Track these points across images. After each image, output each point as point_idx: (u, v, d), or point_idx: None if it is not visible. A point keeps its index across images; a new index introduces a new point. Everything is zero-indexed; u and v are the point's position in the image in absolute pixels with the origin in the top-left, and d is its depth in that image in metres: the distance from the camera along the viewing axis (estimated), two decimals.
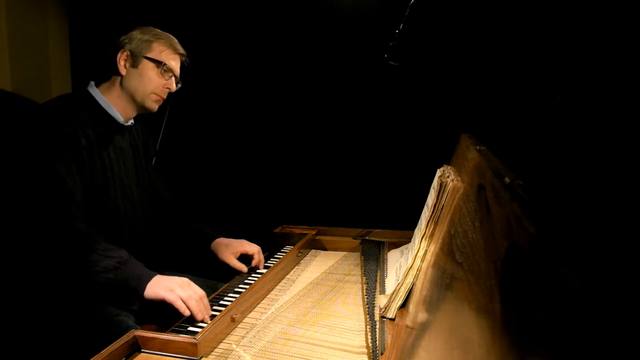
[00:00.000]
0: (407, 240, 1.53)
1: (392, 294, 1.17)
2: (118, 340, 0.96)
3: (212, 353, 1.04)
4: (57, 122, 1.33)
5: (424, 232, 1.17)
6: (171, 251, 1.75)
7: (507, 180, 0.69)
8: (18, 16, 2.10)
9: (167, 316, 1.20)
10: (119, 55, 1.45)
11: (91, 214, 1.35)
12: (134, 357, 0.98)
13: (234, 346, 1.07)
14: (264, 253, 1.64)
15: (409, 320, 1.07)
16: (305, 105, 2.37)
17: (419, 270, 1.15)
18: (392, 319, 1.15)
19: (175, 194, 1.79)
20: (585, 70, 1.49)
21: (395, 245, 1.72)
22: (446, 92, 2.07)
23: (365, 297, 1.29)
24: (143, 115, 1.57)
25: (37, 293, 1.39)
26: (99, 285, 1.22)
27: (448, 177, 1.15)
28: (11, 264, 1.53)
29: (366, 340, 1.08)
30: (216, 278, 1.61)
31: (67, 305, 1.33)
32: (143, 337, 1.00)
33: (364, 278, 1.43)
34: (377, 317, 1.16)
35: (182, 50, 1.54)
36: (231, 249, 1.58)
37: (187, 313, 1.17)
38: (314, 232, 1.87)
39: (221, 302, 1.30)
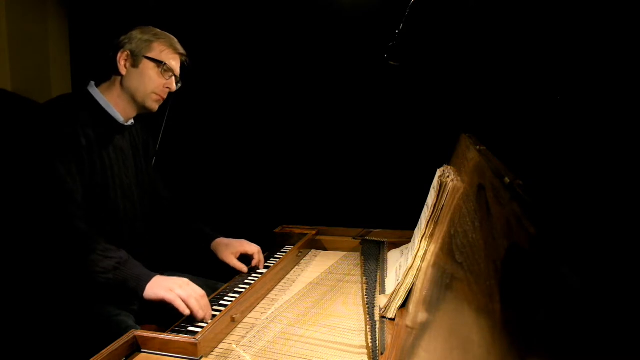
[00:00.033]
0: (407, 240, 1.53)
1: (392, 294, 1.17)
2: (118, 340, 0.96)
3: (212, 353, 1.04)
4: (57, 122, 1.33)
5: (424, 232, 1.17)
6: (171, 251, 1.75)
7: (507, 180, 0.69)
8: (18, 16, 2.10)
9: (167, 316, 1.20)
10: (119, 55, 1.45)
11: (91, 214, 1.35)
12: (134, 357, 0.98)
13: (234, 346, 1.07)
14: (264, 253, 1.64)
15: (409, 320, 1.07)
16: (306, 105, 2.37)
17: (419, 270, 1.15)
18: (392, 319, 1.15)
19: (175, 194, 1.79)
20: (585, 70, 1.49)
21: (395, 245, 1.72)
22: (446, 92, 2.07)
23: (365, 297, 1.29)
24: (143, 115, 1.57)
25: (37, 293, 1.39)
26: (98, 286, 1.22)
27: (448, 177, 1.15)
28: (11, 263, 1.53)
29: (366, 340, 1.08)
30: (216, 278, 1.61)
31: (67, 305, 1.33)
32: (143, 337, 1.00)
33: (364, 278, 1.43)
34: (377, 317, 1.16)
35: (182, 50, 1.54)
36: (231, 249, 1.58)
37: (187, 312, 1.17)
38: (314, 232, 1.87)
39: (221, 302, 1.30)
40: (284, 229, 1.91)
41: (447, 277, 0.84)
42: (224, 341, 1.10)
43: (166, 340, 0.99)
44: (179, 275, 1.38)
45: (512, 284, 0.52)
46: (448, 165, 1.27)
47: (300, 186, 2.40)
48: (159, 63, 1.47)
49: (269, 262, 1.62)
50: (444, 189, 1.15)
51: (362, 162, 2.31)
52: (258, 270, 1.56)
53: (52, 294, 1.35)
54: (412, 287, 1.16)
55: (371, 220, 1.95)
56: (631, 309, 0.35)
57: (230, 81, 2.47)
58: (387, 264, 1.54)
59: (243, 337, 1.11)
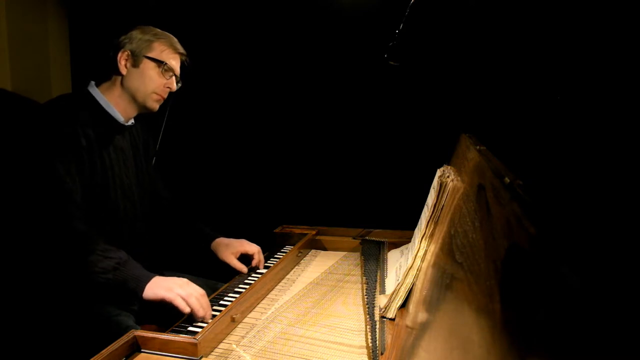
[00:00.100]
0: (407, 240, 1.53)
1: (392, 294, 1.17)
2: (118, 340, 0.96)
3: (212, 353, 1.04)
4: (57, 122, 1.33)
5: (424, 232, 1.17)
6: (171, 251, 1.75)
7: (507, 180, 0.69)
8: (18, 16, 2.10)
9: (167, 316, 1.20)
10: (119, 55, 1.45)
11: (91, 214, 1.35)
12: (134, 357, 0.98)
13: (234, 346, 1.07)
14: (264, 253, 1.64)
15: (409, 320, 1.07)
16: (306, 105, 2.37)
17: (419, 270, 1.15)
18: (392, 319, 1.15)
19: (175, 194, 1.79)
20: (585, 70, 1.49)
21: (395, 245, 1.72)
22: (446, 92, 2.07)
23: (365, 297, 1.29)
24: (143, 114, 1.57)
25: (37, 293, 1.39)
26: (98, 286, 1.22)
27: (448, 177, 1.15)
28: (11, 264, 1.53)
29: (366, 340, 1.08)
30: (216, 278, 1.61)
31: (67, 305, 1.33)
32: (143, 337, 1.00)
33: (364, 278, 1.43)
34: (377, 317, 1.16)
35: (182, 50, 1.54)
36: (231, 249, 1.58)
37: (187, 310, 1.17)
38: (314, 232, 1.87)
39: (221, 302, 1.30)
40: (284, 229, 1.91)
41: (447, 277, 0.84)
42: (224, 341, 1.10)
43: (166, 340, 0.99)
44: (179, 275, 1.38)
45: (512, 284, 0.52)
46: (448, 165, 1.27)
47: (300, 186, 2.40)
48: (159, 63, 1.47)
49: (269, 262, 1.62)
50: (444, 189, 1.15)
51: (362, 162, 2.31)
52: (258, 270, 1.56)
53: (52, 294, 1.35)
54: (412, 287, 1.16)
55: (371, 220, 1.95)
56: (631, 309, 0.35)
57: (230, 81, 2.47)
58: (387, 264, 1.54)
59: (243, 337, 1.11)
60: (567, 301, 0.38)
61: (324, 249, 1.88)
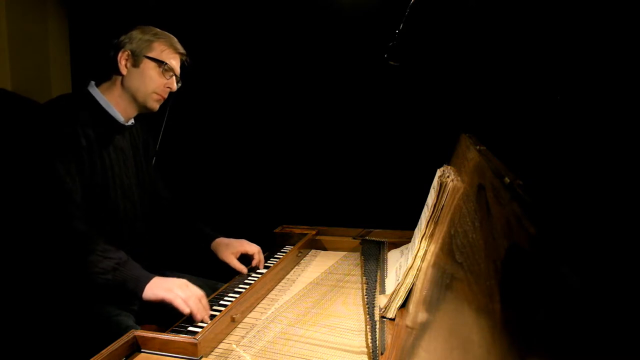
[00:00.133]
0: (407, 240, 1.53)
1: (392, 294, 1.17)
2: (118, 340, 0.96)
3: (212, 353, 1.04)
4: (57, 122, 1.33)
5: (424, 232, 1.17)
6: (171, 251, 1.75)
7: (507, 180, 0.69)
8: (18, 16, 2.10)
9: (167, 316, 1.20)
10: (119, 54, 1.45)
11: (91, 214, 1.35)
12: (134, 357, 0.98)
13: (234, 346, 1.07)
14: (264, 253, 1.64)
15: (409, 320, 1.07)
16: (305, 105, 2.37)
17: (419, 270, 1.15)
18: (392, 319, 1.15)
19: (175, 194, 1.79)
20: (585, 70, 1.49)
21: (395, 245, 1.72)
22: (446, 92, 2.07)
23: (365, 297, 1.29)
24: (143, 114, 1.57)
25: (37, 293, 1.39)
26: (97, 286, 1.22)
27: (448, 177, 1.15)
28: (11, 263, 1.53)
29: (366, 340, 1.08)
30: (216, 278, 1.61)
31: (67, 305, 1.33)
32: (143, 337, 1.00)
33: (364, 278, 1.43)
34: (377, 317, 1.16)
35: (182, 50, 1.54)
36: (231, 249, 1.58)
37: (187, 311, 1.17)
38: (314, 232, 1.87)
39: (221, 302, 1.30)
40: (284, 229, 1.91)
41: (447, 277, 0.84)
42: (224, 341, 1.10)
43: (166, 340, 0.99)
44: (179, 276, 1.38)
45: (512, 284, 0.52)
46: (448, 165, 1.27)
47: (300, 186, 2.40)
48: (160, 63, 1.47)
49: (269, 262, 1.62)
50: (444, 189, 1.15)
51: (362, 162, 2.31)
52: (258, 270, 1.56)
53: (51, 294, 1.35)
54: (412, 287, 1.16)
55: (371, 220, 1.95)
56: (631, 309, 0.35)
57: (230, 81, 2.47)
58: (387, 264, 1.54)
59: (243, 337, 1.11)
60: (567, 301, 0.38)
61: (324, 249, 1.88)
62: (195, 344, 0.98)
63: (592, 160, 1.34)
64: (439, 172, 1.20)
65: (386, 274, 1.45)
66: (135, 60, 1.46)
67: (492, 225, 0.66)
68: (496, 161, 0.89)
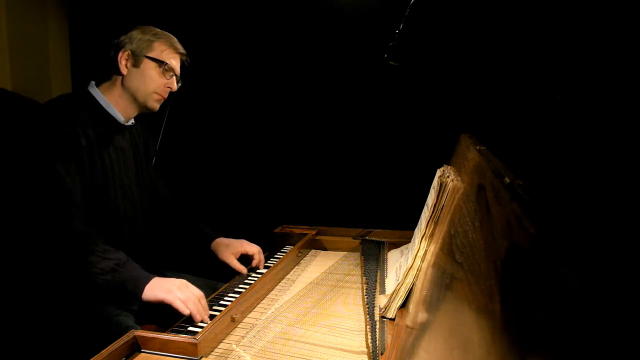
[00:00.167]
0: (407, 240, 1.53)
1: (392, 294, 1.17)
2: (118, 340, 0.96)
3: (212, 353, 1.04)
4: (57, 122, 1.33)
5: (424, 232, 1.17)
6: (171, 251, 1.75)
7: (507, 180, 0.69)
8: (18, 16, 2.10)
9: (167, 316, 1.20)
10: (120, 54, 1.45)
11: (91, 214, 1.35)
12: (134, 357, 0.98)
13: (234, 346, 1.07)
14: (264, 253, 1.64)
15: (409, 320, 1.07)
16: (305, 105, 2.37)
17: (419, 270, 1.15)
18: (392, 319, 1.15)
19: (175, 194, 1.79)
20: (585, 70, 1.49)
21: (395, 245, 1.72)
22: (446, 92, 2.07)
23: (365, 297, 1.29)
24: (143, 114, 1.57)
25: (37, 293, 1.39)
26: (97, 287, 1.22)
27: (448, 177, 1.15)
28: (10, 263, 1.53)
29: (366, 341, 1.08)
30: (216, 278, 1.61)
31: (67, 306, 1.33)
32: (143, 337, 1.00)
33: (364, 278, 1.43)
34: (377, 317, 1.16)
35: (182, 50, 1.54)
36: (231, 249, 1.58)
37: (186, 312, 1.17)
38: (314, 232, 1.87)
39: (221, 302, 1.30)
40: (284, 229, 1.91)
41: (447, 277, 0.84)
42: (224, 341, 1.10)
43: (166, 340, 0.99)
44: (179, 276, 1.38)
45: (512, 284, 0.52)
46: (448, 165, 1.27)
47: (300, 186, 2.40)
48: (160, 63, 1.47)
49: (269, 262, 1.62)
50: (444, 189, 1.15)
51: (362, 162, 2.31)
52: (258, 270, 1.56)
53: (51, 294, 1.35)
54: (412, 287, 1.16)
55: (371, 220, 1.95)
56: (631, 309, 0.35)
57: (230, 81, 2.47)
58: (387, 264, 1.54)
59: (243, 337, 1.11)
60: (567, 301, 0.38)
61: (324, 249, 1.88)
62: (195, 344, 0.98)
63: (592, 160, 1.34)
64: (439, 172, 1.20)
65: (386, 274, 1.45)
66: (136, 60, 1.46)
67: (492, 225, 0.66)
68: (496, 161, 0.89)
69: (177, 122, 2.45)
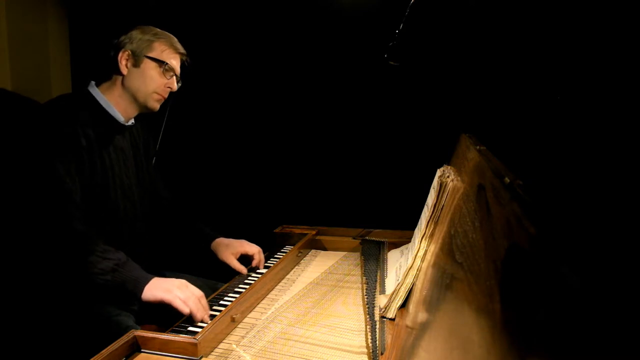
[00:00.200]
0: (407, 240, 1.53)
1: (392, 294, 1.17)
2: (118, 340, 0.96)
3: (212, 353, 1.04)
4: (57, 122, 1.33)
5: (424, 232, 1.17)
6: (171, 251, 1.75)
7: (507, 180, 0.69)
8: (18, 16, 2.10)
9: (167, 316, 1.20)
10: (120, 54, 1.45)
11: (91, 214, 1.35)
12: (134, 357, 0.98)
13: (234, 346, 1.07)
14: (264, 253, 1.64)
15: (409, 320, 1.07)
16: (305, 105, 2.37)
17: (419, 270, 1.15)
18: (392, 319, 1.15)
19: (175, 194, 1.79)
20: (585, 70, 1.49)
21: (395, 245, 1.72)
22: (446, 92, 2.07)
23: (365, 297, 1.29)
24: (143, 114, 1.57)
25: (37, 293, 1.39)
26: (97, 287, 1.22)
27: (448, 177, 1.15)
28: (10, 263, 1.53)
29: (366, 340, 1.08)
30: (216, 278, 1.61)
31: (67, 306, 1.33)
32: (143, 337, 1.00)
33: (364, 278, 1.43)
34: (377, 317, 1.16)
35: (182, 50, 1.55)
36: (231, 249, 1.58)
37: (186, 312, 1.17)
38: (314, 232, 1.87)
39: (221, 302, 1.30)
40: (284, 229, 1.91)
41: (447, 277, 0.84)
42: (224, 341, 1.10)
43: (166, 340, 0.99)
44: (179, 276, 1.38)
45: (512, 284, 0.52)
46: (448, 165, 1.27)
47: (300, 186, 2.40)
48: (160, 63, 1.47)
49: (269, 262, 1.62)
50: (444, 189, 1.15)
51: (362, 162, 2.31)
52: (258, 270, 1.56)
53: (51, 294, 1.35)
54: (412, 287, 1.16)
55: (371, 220, 1.95)
56: (631, 309, 0.35)
57: (230, 81, 2.47)
58: (387, 264, 1.54)
59: (243, 337, 1.11)
60: (567, 301, 0.38)
61: (324, 249, 1.88)
62: (195, 344, 0.98)
63: (592, 160, 1.34)
64: (439, 172, 1.20)
65: (386, 274, 1.45)
66: (136, 60, 1.46)
67: (492, 225, 0.66)
68: (496, 161, 0.89)
69: (177, 122, 2.45)
